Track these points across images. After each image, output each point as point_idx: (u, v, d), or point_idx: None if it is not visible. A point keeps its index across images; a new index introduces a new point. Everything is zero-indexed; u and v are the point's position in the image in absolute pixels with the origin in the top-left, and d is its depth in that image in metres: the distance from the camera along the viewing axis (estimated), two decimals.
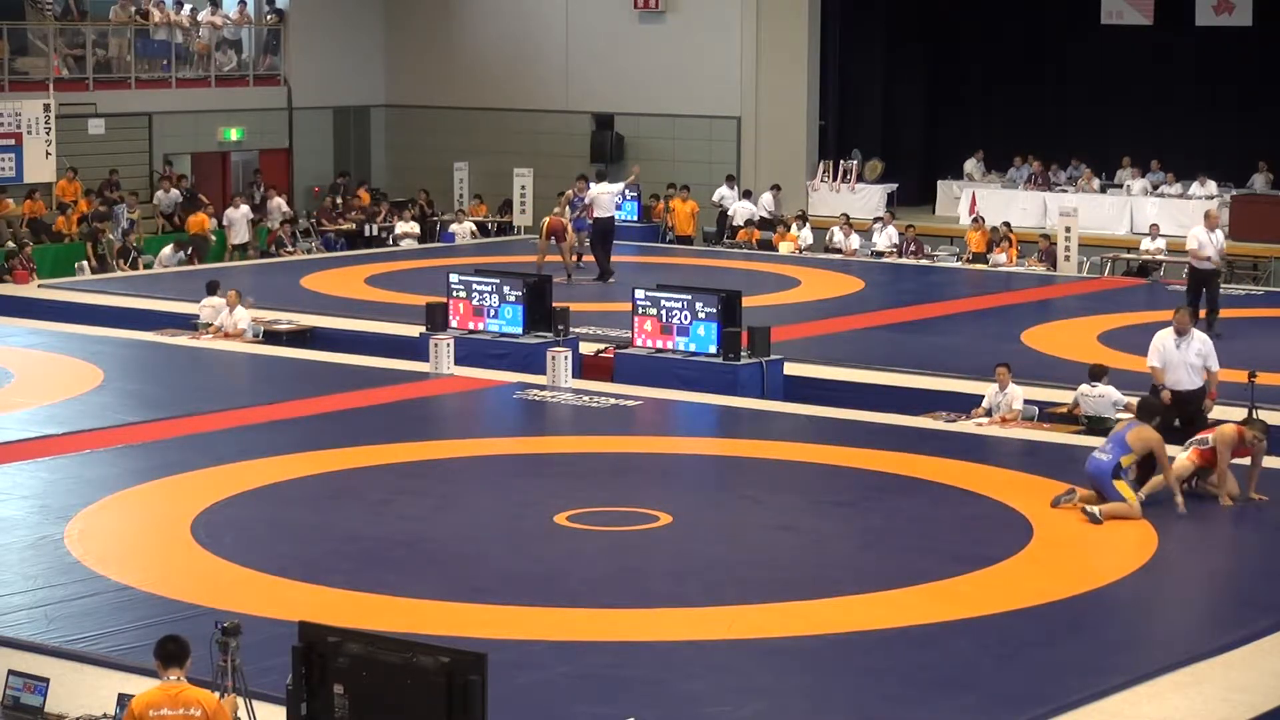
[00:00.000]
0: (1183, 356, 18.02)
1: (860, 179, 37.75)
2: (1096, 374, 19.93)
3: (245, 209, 34.65)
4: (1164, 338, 18.18)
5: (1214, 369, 18.10)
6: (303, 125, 40.06)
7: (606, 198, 30.23)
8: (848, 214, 34.93)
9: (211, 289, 25.53)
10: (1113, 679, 11.91)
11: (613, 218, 30.46)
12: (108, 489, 16.72)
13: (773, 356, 22.32)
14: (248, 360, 23.86)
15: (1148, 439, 16.03)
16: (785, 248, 34.16)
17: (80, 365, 22.72)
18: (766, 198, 36.97)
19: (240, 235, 34.28)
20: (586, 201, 30.18)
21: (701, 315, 22.43)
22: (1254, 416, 19.27)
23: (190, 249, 32.75)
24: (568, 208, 30.69)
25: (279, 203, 35.92)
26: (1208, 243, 24.80)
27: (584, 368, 22.83)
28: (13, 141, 33.66)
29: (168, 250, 32.34)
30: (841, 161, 37.88)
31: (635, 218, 37.04)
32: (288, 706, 9.14)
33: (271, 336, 25.13)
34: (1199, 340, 18.15)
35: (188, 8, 39.07)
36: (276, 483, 17.00)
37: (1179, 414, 17.74)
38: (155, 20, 37.83)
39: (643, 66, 38.77)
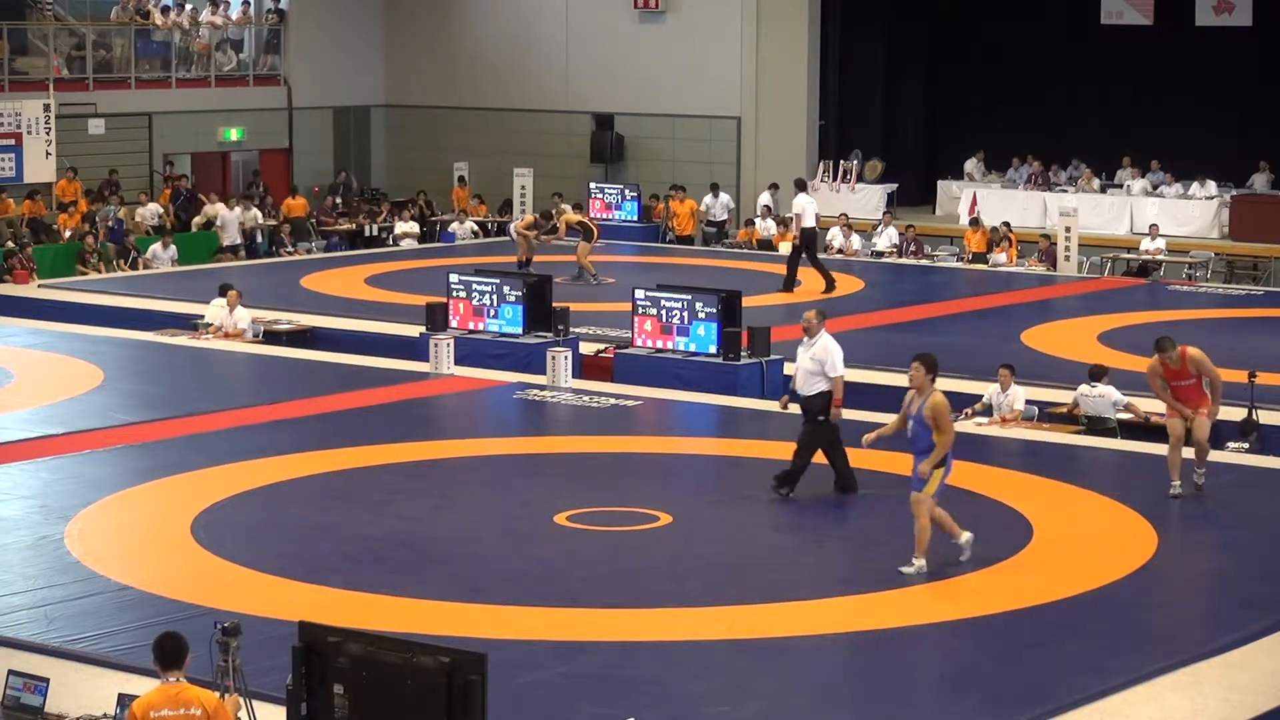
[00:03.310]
0: (800, 359, 16.60)
1: (860, 179, 37.74)
2: (1096, 374, 19.95)
3: (239, 210, 34.60)
4: (803, 342, 16.73)
5: (833, 375, 16.39)
6: (303, 125, 40.05)
7: (811, 208, 29.36)
8: (847, 214, 34.93)
9: (223, 291, 25.38)
10: (1113, 679, 11.91)
11: (814, 229, 29.30)
12: (108, 489, 16.72)
13: (773, 356, 22.32)
14: (248, 360, 23.87)
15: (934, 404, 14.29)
16: (785, 248, 34.12)
17: (80, 365, 22.72)
18: (765, 196, 36.99)
19: (232, 236, 34.23)
20: (796, 212, 29.09)
21: (701, 315, 22.43)
22: (1252, 418, 19.31)
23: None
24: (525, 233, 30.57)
25: (254, 214, 35.35)
26: None
27: (584, 368, 22.84)
28: (13, 141, 33.67)
29: (156, 247, 32.31)
30: (841, 161, 37.88)
31: (635, 218, 37.07)
32: (288, 706, 9.13)
33: (271, 336, 25.13)
34: (820, 343, 16.48)
35: (188, 8, 39.07)
36: (276, 483, 17.01)
37: (804, 418, 16.60)
38: (156, 22, 37.82)
39: (643, 66, 38.77)
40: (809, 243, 29.03)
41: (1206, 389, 16.53)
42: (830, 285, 28.67)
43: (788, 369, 22.38)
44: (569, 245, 30.71)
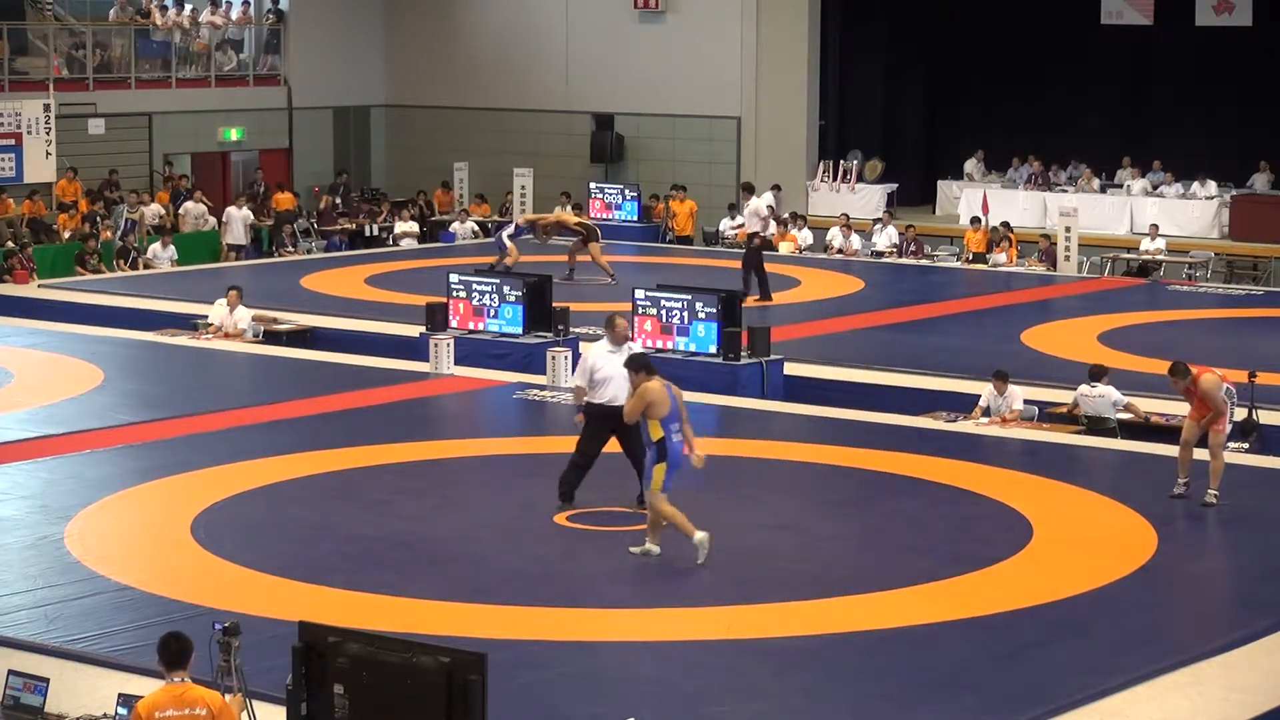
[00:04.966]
0: (610, 368, 15.83)
1: (860, 179, 37.76)
2: (1096, 374, 19.95)
3: (246, 210, 34.61)
4: (598, 350, 16.11)
5: None
6: (303, 125, 40.06)
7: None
8: (848, 214, 34.94)
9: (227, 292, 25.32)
10: (1113, 679, 11.91)
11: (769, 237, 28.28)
12: (108, 489, 16.72)
13: (773, 356, 22.32)
14: (248, 360, 23.87)
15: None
16: (785, 248, 34.15)
17: (80, 365, 22.72)
18: (768, 196, 36.95)
19: (236, 235, 34.23)
20: (764, 216, 28.49)
21: (701, 315, 22.43)
22: (1252, 418, 19.31)
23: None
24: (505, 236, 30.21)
25: (234, 210, 34.99)
26: None
27: None
28: (13, 141, 33.67)
29: (156, 246, 32.31)
30: (841, 161, 37.90)
31: (635, 218, 37.07)
32: (288, 706, 9.13)
33: (271, 336, 25.13)
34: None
35: (188, 8, 39.08)
36: (276, 483, 17.00)
37: (612, 427, 15.89)
38: (156, 22, 37.82)
39: (643, 66, 38.78)
40: (765, 248, 28.46)
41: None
42: (765, 296, 27.61)
43: (788, 368, 22.52)
44: (559, 246, 30.73)
